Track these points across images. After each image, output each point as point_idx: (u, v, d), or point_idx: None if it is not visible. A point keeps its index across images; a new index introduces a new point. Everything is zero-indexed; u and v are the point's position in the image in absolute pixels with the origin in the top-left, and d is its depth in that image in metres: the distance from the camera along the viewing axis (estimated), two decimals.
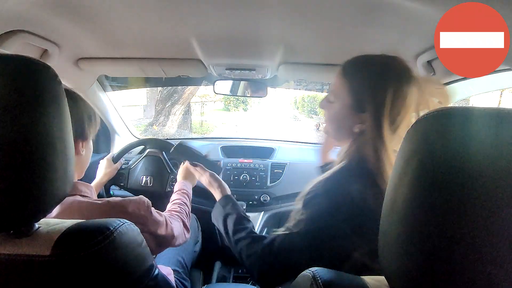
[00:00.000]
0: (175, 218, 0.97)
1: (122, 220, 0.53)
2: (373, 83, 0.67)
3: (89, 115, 0.82)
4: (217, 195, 0.94)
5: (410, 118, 0.65)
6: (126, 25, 0.90)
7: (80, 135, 0.79)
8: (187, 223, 1.03)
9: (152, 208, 0.84)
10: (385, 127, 0.64)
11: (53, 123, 0.44)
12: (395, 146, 0.64)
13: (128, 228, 0.53)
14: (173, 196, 1.14)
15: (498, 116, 0.32)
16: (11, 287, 0.45)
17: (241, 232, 0.78)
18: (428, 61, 1.00)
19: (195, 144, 1.83)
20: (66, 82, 1.28)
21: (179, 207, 1.07)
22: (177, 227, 0.93)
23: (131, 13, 0.83)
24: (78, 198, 0.74)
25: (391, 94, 0.65)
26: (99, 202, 0.74)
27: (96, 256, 0.46)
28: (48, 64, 0.45)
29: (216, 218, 0.88)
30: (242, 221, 0.81)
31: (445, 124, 0.33)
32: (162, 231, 0.85)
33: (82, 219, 0.54)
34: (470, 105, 0.40)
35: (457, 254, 0.31)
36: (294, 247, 0.67)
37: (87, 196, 0.77)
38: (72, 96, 0.78)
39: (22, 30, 0.83)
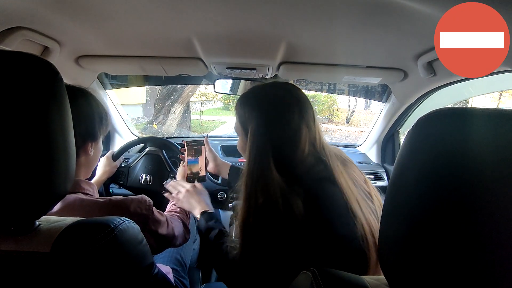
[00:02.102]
0: (175, 218, 0.97)
1: (122, 218, 0.53)
2: (250, 115, 0.76)
3: (101, 116, 0.81)
4: (202, 207, 0.99)
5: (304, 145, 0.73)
6: (127, 23, 0.90)
7: (89, 136, 0.79)
8: (187, 224, 1.03)
9: (154, 208, 0.84)
10: (265, 150, 0.71)
11: (54, 120, 0.44)
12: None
13: (128, 226, 0.53)
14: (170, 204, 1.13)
15: (498, 116, 0.32)
16: (11, 284, 0.45)
17: (219, 246, 0.84)
18: (428, 62, 1.01)
19: None
20: (66, 80, 1.27)
21: (179, 207, 1.07)
22: (177, 227, 0.93)
23: (132, 11, 0.82)
24: (81, 195, 0.74)
25: (268, 123, 0.73)
26: (101, 200, 0.74)
27: (96, 254, 0.46)
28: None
29: (200, 229, 0.94)
30: (221, 236, 0.87)
31: (446, 124, 0.33)
32: (163, 230, 0.84)
33: (84, 217, 0.54)
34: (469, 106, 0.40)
35: (457, 254, 0.31)
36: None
37: (89, 194, 0.77)
38: (85, 96, 0.78)
39: (23, 27, 0.83)
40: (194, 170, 1.17)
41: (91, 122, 0.78)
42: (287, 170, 0.71)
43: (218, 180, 1.58)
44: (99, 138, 0.83)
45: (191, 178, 1.16)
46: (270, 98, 0.76)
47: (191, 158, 1.18)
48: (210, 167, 1.20)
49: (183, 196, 1.03)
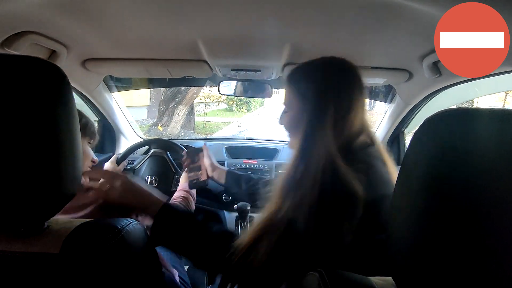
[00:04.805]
0: None
1: (129, 219, 0.54)
2: (315, 81, 0.70)
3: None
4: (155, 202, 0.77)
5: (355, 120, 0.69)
6: (133, 27, 0.91)
7: None
8: None
9: None
10: (325, 123, 0.66)
11: (62, 123, 0.45)
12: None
13: (135, 227, 0.53)
14: (176, 194, 1.14)
15: (504, 116, 0.32)
16: (20, 285, 0.46)
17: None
18: (433, 63, 1.00)
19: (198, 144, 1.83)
20: (73, 83, 1.29)
21: (174, 201, 1.08)
22: None
23: (138, 15, 0.83)
24: None
25: (334, 92, 0.68)
26: None
27: (104, 255, 0.47)
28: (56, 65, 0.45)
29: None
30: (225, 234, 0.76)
31: (453, 125, 0.33)
32: None
33: None
34: (475, 106, 0.40)
35: (465, 254, 0.31)
36: None
37: None
38: None
39: (31, 31, 0.84)
40: (195, 176, 1.19)
41: None
42: (344, 145, 0.66)
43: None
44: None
45: (193, 184, 1.17)
46: (331, 70, 0.72)
47: (192, 164, 1.20)
48: (208, 173, 1.21)
49: (119, 190, 0.74)
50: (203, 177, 1.18)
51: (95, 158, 0.92)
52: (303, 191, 0.61)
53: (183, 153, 1.25)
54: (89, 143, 0.90)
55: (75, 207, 0.72)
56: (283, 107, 0.80)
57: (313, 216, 0.59)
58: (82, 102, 1.56)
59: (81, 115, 0.85)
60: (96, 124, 1.62)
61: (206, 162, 1.20)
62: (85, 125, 0.87)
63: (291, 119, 0.76)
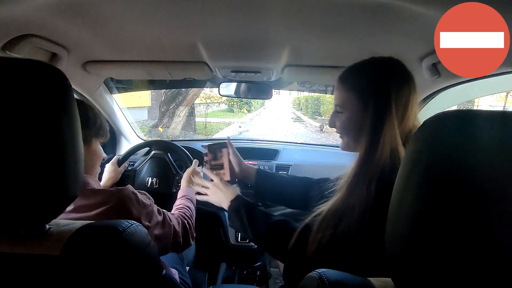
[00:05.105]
0: (175, 218, 0.96)
1: (130, 221, 0.54)
2: (374, 79, 0.72)
3: (88, 119, 0.80)
4: (229, 197, 0.93)
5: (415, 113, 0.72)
6: (134, 29, 0.91)
7: None
8: (192, 226, 1.02)
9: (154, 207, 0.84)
10: (390, 120, 0.68)
11: (64, 125, 0.45)
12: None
13: (136, 229, 0.53)
14: (177, 202, 1.13)
15: (504, 118, 0.32)
16: (22, 287, 0.46)
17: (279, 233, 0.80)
18: (433, 64, 1.00)
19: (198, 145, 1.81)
20: (74, 85, 1.29)
21: (179, 211, 1.05)
22: (176, 225, 0.92)
23: (138, 17, 0.84)
24: None
25: (394, 89, 0.70)
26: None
27: (105, 257, 0.47)
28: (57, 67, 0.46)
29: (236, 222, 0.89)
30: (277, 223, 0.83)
31: (452, 126, 0.34)
32: (159, 229, 0.84)
33: None
34: (475, 107, 0.41)
35: (465, 256, 0.31)
36: None
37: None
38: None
39: (32, 34, 0.85)
40: (217, 175, 1.07)
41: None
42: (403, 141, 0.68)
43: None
44: (89, 141, 0.82)
45: None
46: (387, 68, 0.73)
47: (214, 162, 1.10)
48: (235, 172, 1.12)
49: (210, 191, 0.98)
50: (226, 177, 1.08)
51: (105, 155, 0.93)
52: (369, 184, 0.64)
53: (203, 146, 1.15)
54: (101, 142, 0.89)
55: (88, 206, 0.72)
56: (335, 109, 0.80)
57: (369, 209, 0.62)
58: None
59: (96, 116, 0.84)
60: None
61: (232, 160, 1.11)
62: (100, 126, 0.85)
63: (348, 119, 0.76)
